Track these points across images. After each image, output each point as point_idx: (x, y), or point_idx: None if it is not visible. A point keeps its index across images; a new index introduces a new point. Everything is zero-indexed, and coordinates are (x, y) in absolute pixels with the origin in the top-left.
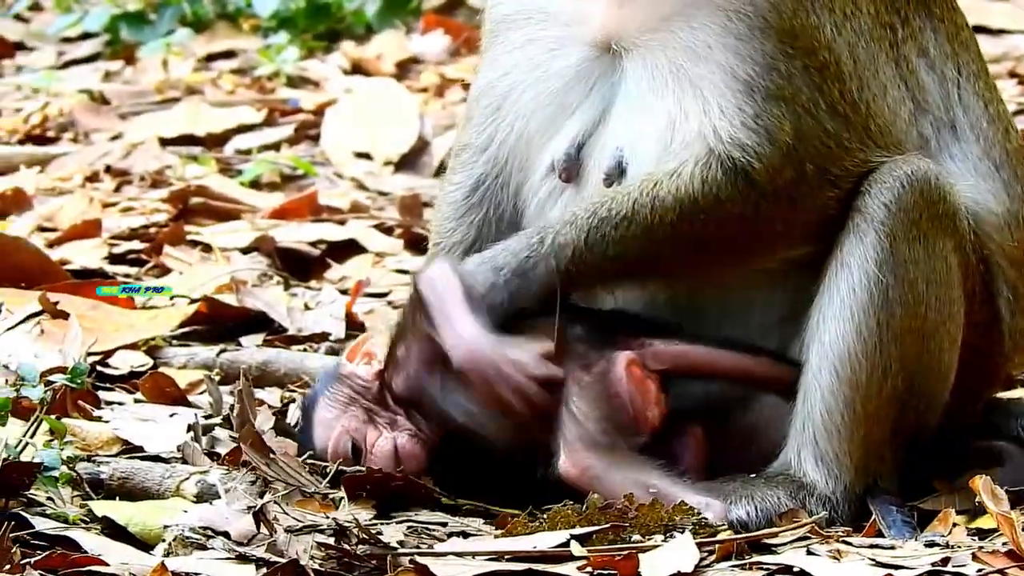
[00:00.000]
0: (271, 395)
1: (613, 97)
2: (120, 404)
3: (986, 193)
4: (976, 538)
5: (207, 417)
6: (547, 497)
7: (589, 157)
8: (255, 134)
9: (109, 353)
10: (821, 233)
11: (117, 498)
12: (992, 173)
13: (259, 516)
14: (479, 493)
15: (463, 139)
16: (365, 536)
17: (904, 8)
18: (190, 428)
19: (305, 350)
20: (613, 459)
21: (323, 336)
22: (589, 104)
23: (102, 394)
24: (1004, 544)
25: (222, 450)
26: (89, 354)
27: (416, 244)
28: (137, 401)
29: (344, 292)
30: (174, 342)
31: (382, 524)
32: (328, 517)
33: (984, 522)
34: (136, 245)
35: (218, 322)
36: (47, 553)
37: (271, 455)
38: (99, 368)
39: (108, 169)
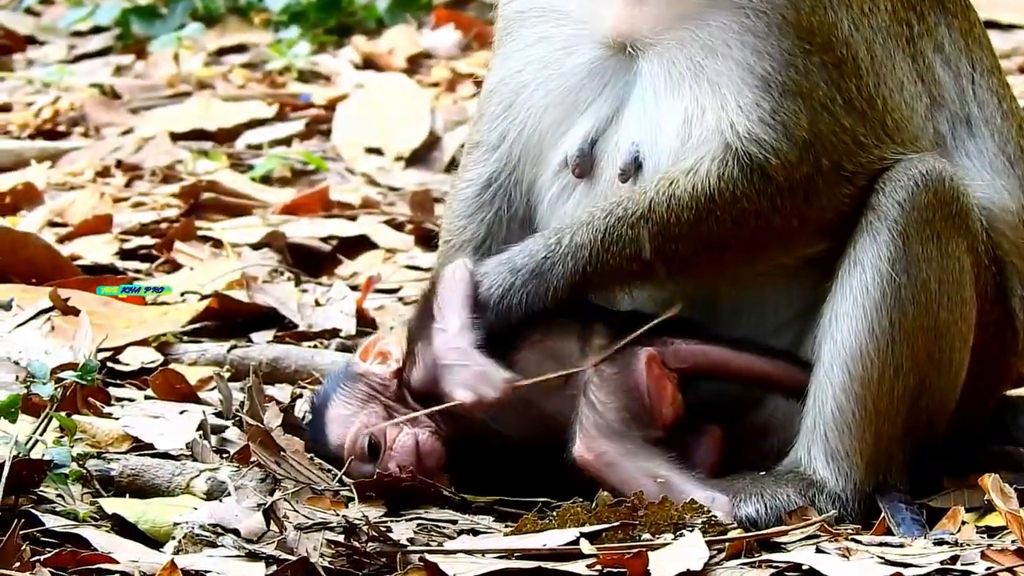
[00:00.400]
0: (282, 391)
1: (627, 94)
2: (130, 401)
3: (1001, 190)
4: (985, 536)
5: (217, 414)
6: (558, 493)
7: (603, 153)
8: (266, 129)
9: (120, 349)
10: (837, 230)
11: (127, 495)
12: (1007, 169)
13: (269, 513)
14: (493, 488)
15: (475, 136)
16: (375, 534)
17: (920, 4)
18: (200, 425)
19: (316, 346)
20: (627, 448)
21: (334, 332)
22: (602, 100)
23: (112, 390)
24: (1013, 542)
25: (232, 447)
26: (99, 350)
27: (427, 240)
28: (147, 398)
29: (355, 288)
30: (185, 338)
31: (392, 522)
32: (338, 515)
33: (993, 520)
34: (147, 241)
35: (229, 318)
36: (57, 551)
37: (280, 453)
38: (109, 364)
39: (119, 164)
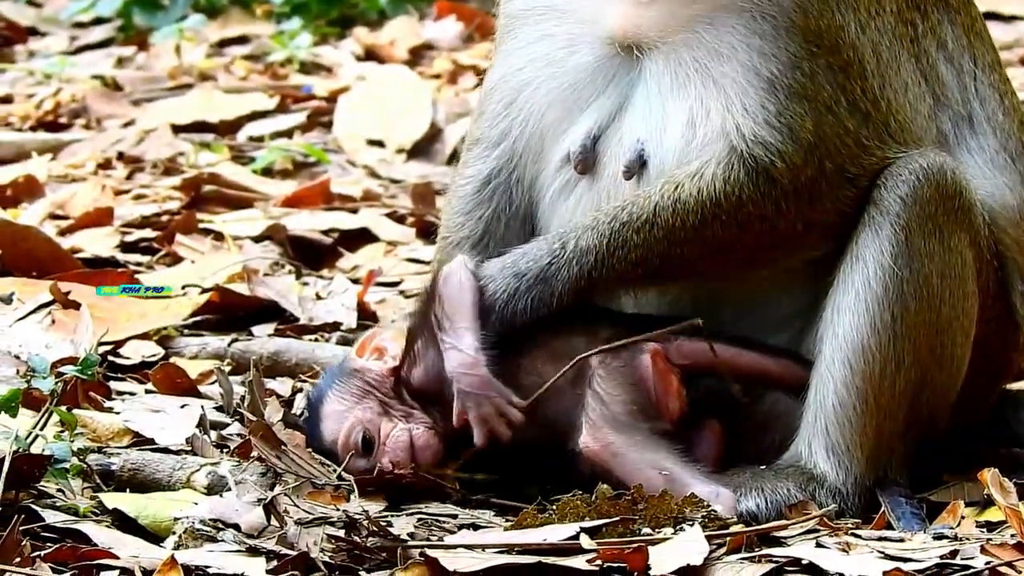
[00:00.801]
0: (282, 385)
1: (631, 92)
2: (131, 395)
3: (1003, 187)
4: (985, 530)
5: (218, 408)
6: (559, 488)
7: (605, 149)
8: (268, 121)
9: (120, 343)
10: (839, 232)
11: (127, 490)
12: (1009, 165)
13: (269, 508)
14: (494, 483)
15: (475, 133)
16: (375, 529)
17: (923, 2)
18: (200, 420)
19: (316, 339)
20: (634, 440)
21: (335, 326)
22: (606, 98)
23: (113, 384)
24: (1013, 536)
25: (232, 442)
26: (100, 344)
27: (428, 233)
28: (148, 392)
29: (356, 281)
30: (186, 331)
31: (392, 516)
32: (338, 509)
33: (993, 515)
34: (148, 233)
35: (230, 311)
36: (57, 546)
37: (282, 447)
38: (110, 358)
39: (120, 156)
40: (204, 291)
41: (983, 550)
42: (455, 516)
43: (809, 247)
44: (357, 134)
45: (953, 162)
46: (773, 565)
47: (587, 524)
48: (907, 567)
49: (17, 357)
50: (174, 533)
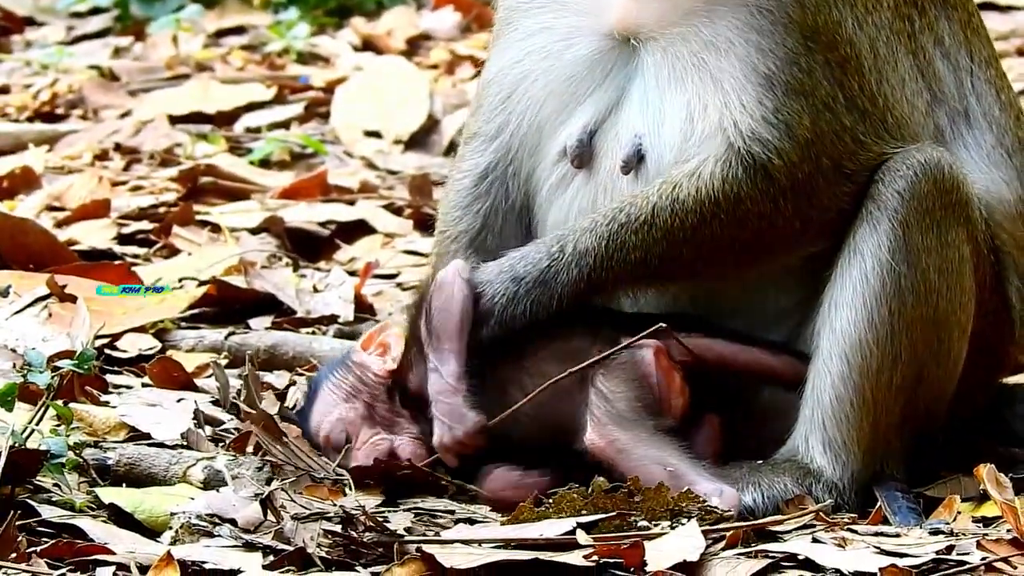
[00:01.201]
0: (279, 379)
1: (629, 86)
2: (128, 388)
3: (999, 182)
4: (981, 526)
5: (214, 402)
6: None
7: (602, 144)
8: (265, 112)
9: (117, 336)
10: (837, 228)
11: (123, 484)
12: (1005, 161)
13: (266, 503)
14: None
15: (472, 127)
16: (372, 524)
17: None
18: (195, 414)
19: (314, 332)
20: (639, 436)
21: (332, 319)
22: (603, 92)
23: (110, 377)
24: (1008, 532)
25: (229, 436)
26: (97, 337)
27: (426, 224)
28: (145, 385)
29: (353, 274)
30: (183, 324)
31: (389, 511)
32: (335, 504)
33: (989, 510)
34: (145, 225)
35: (227, 304)
36: (53, 542)
37: (283, 439)
38: (107, 351)
39: (117, 147)
40: (201, 284)
41: (979, 545)
42: (452, 511)
43: (807, 243)
44: (354, 125)
45: (950, 157)
46: (769, 561)
47: (583, 519)
48: (903, 563)
49: (13, 351)
50: (170, 528)
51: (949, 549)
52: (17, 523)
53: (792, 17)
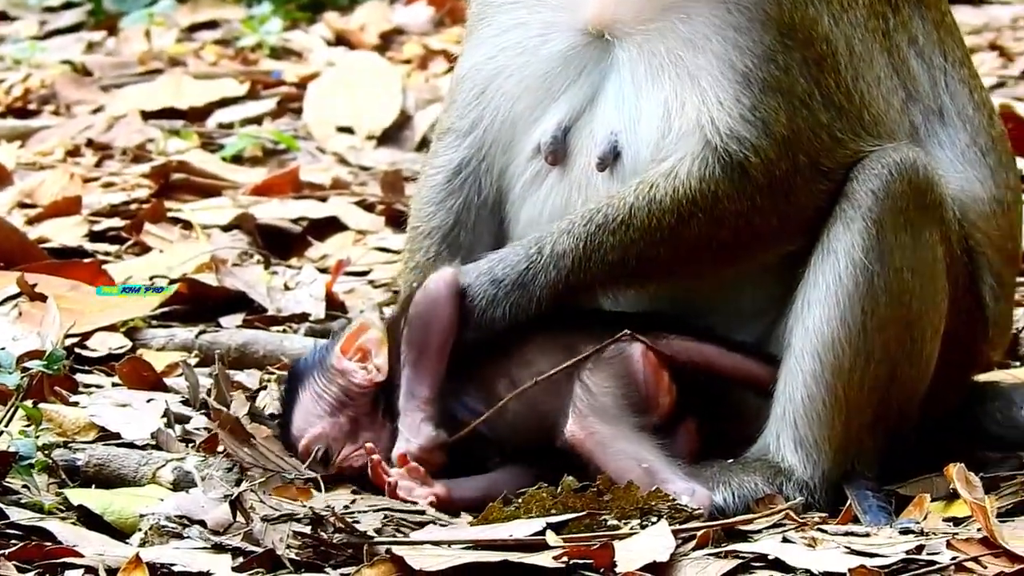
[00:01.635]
0: (250, 377)
1: (603, 83)
2: (98, 387)
3: (973, 180)
4: (951, 525)
5: (184, 402)
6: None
7: (577, 140)
8: (238, 107)
9: (87, 335)
10: (814, 226)
11: (93, 485)
12: (979, 159)
13: (235, 505)
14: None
15: (446, 122)
16: (341, 525)
17: None
18: (165, 414)
19: (285, 331)
20: (619, 431)
21: (303, 316)
22: (577, 88)
23: (80, 377)
24: (978, 531)
25: (198, 436)
26: (67, 336)
27: (397, 221)
28: (115, 385)
29: (324, 271)
30: (153, 323)
31: (359, 513)
32: (305, 506)
33: (959, 509)
34: (116, 223)
35: (198, 302)
36: (22, 544)
37: (250, 440)
38: (77, 350)
39: (90, 143)
40: (172, 282)
41: (949, 545)
42: (422, 512)
43: (785, 242)
44: (327, 120)
45: (925, 157)
46: (739, 561)
47: (553, 519)
48: (872, 563)
49: None
50: (140, 530)
51: (919, 549)
52: None
53: (769, 14)
